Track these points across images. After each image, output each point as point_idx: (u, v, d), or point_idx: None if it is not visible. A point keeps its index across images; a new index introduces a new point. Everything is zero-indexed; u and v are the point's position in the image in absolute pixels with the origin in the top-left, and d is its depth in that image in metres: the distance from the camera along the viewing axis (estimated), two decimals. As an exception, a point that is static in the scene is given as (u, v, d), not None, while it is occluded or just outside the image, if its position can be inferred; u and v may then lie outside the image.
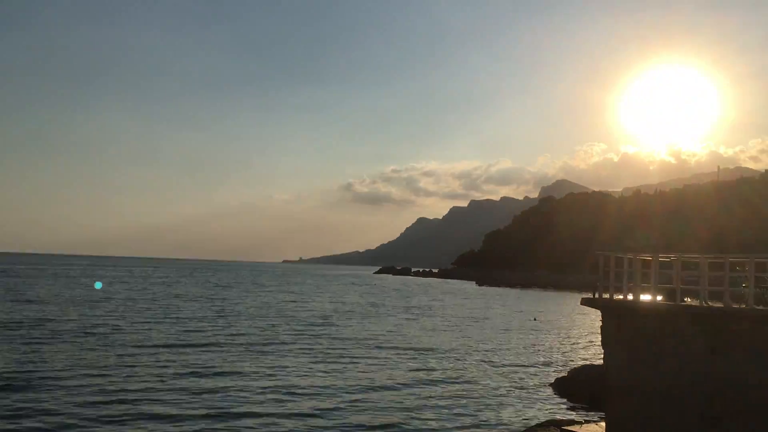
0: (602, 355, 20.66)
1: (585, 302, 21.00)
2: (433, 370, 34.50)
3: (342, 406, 25.22)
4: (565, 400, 28.37)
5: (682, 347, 18.09)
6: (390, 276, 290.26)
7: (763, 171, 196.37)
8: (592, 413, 25.16)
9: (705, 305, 18.08)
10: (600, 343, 20.73)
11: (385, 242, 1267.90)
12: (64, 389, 25.82)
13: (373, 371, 33.19)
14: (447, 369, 34.99)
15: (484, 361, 38.37)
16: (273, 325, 53.21)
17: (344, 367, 33.95)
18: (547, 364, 38.39)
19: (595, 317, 22.84)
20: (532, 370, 36.27)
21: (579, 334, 57.33)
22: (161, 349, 37.15)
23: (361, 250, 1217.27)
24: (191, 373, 30.33)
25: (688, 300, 19.58)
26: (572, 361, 39.75)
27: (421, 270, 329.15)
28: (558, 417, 24.36)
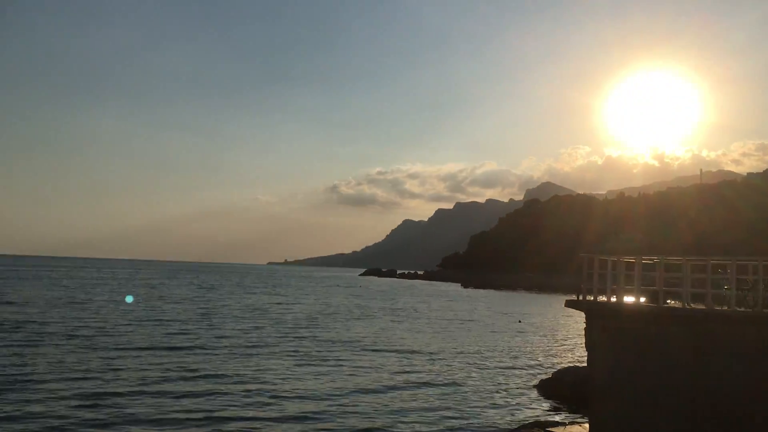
0: (586, 357, 20.76)
1: (569, 304, 21.08)
2: (419, 372, 34.50)
3: (327, 408, 25.14)
4: (549, 402, 28.48)
5: (665, 349, 18.22)
6: (375, 278, 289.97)
7: (745, 174, 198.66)
8: (576, 414, 25.28)
9: (687, 307, 18.23)
10: (584, 345, 20.84)
11: (371, 244, 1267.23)
12: (47, 392, 25.52)
13: (359, 373, 33.14)
14: (432, 371, 35.01)
15: (469, 363, 38.43)
16: (258, 328, 52.97)
17: (329, 370, 33.86)
18: (531, 366, 38.52)
19: (579, 319, 22.96)
20: (516, 371, 36.38)
21: (563, 336, 57.58)
22: (144, 352, 36.85)
23: (346, 252, 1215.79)
24: (175, 376, 30.09)
25: (671, 302, 19.72)
26: (557, 362, 39.92)
27: (406, 272, 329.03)
28: (542, 418, 24.45)
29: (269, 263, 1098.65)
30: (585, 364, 21.84)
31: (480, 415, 25.51)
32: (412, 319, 70.37)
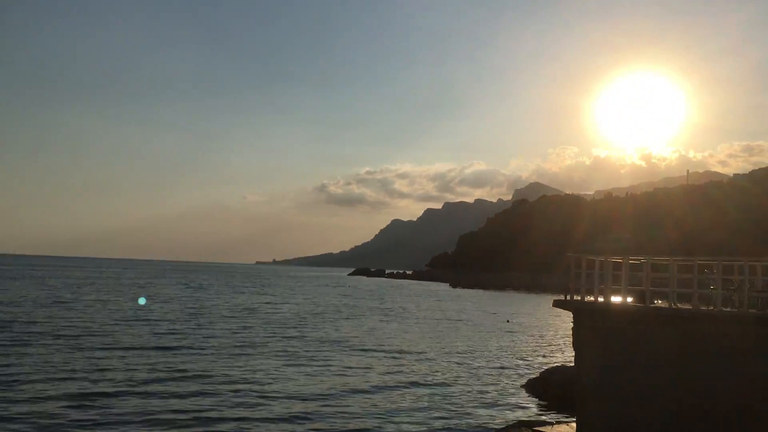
0: (574, 357, 20.85)
1: (557, 304, 21.17)
2: (407, 372, 34.51)
3: (316, 409, 25.09)
4: (537, 401, 28.57)
5: (651, 348, 18.33)
6: (364, 278, 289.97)
7: (731, 175, 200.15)
8: (564, 414, 25.37)
9: (674, 307, 18.36)
10: (572, 345, 20.92)
11: (359, 244, 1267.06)
12: (32, 393, 25.30)
13: (347, 374, 33.11)
14: (420, 371, 35.04)
15: (457, 363, 38.49)
16: (246, 327, 52.80)
17: (318, 370, 33.81)
18: (519, 366, 38.64)
19: (567, 319, 23.06)
20: (504, 371, 36.47)
21: (551, 335, 57.81)
22: (131, 352, 36.62)
23: (335, 252, 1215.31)
24: (163, 376, 29.92)
25: (657, 302, 19.85)
26: (545, 362, 40.06)
27: (395, 272, 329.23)
28: (530, 418, 24.55)
29: (257, 263, 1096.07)
30: (573, 364, 21.93)
31: (468, 414, 25.54)
32: (401, 318, 70.40)
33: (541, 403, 28.27)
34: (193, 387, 27.82)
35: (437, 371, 35.20)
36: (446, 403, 27.24)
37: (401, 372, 34.38)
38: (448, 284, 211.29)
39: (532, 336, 56.63)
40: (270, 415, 23.71)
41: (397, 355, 40.83)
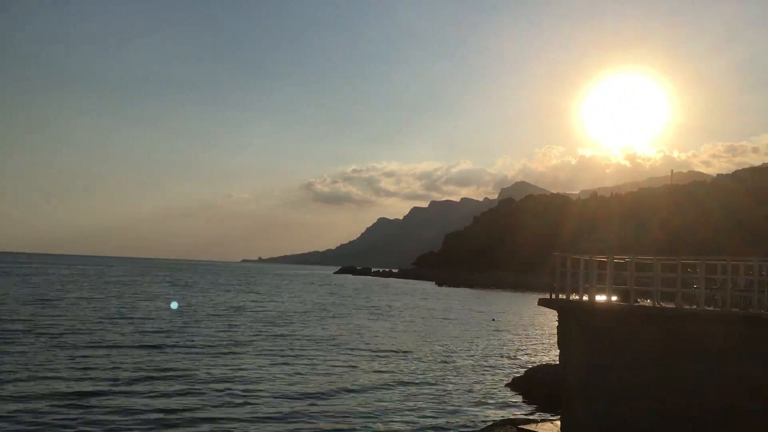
0: (558, 355, 20.93)
1: (542, 303, 21.26)
2: (392, 371, 34.51)
3: (301, 408, 25.02)
4: (521, 399, 28.69)
5: (635, 347, 18.45)
6: (350, 276, 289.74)
7: (715, 176, 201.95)
8: (549, 412, 25.48)
9: (657, 306, 18.47)
10: (557, 343, 21.00)
11: (346, 242, 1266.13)
12: (14, 391, 25.03)
13: (333, 372, 33.05)
14: (405, 370, 35.06)
15: (443, 362, 38.55)
16: (232, 326, 52.59)
17: (303, 369, 33.72)
18: (504, 364, 38.77)
19: (553, 317, 23.14)
20: (490, 370, 36.58)
21: (537, 334, 58.06)
22: (115, 350, 36.35)
23: (321, 250, 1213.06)
24: (147, 375, 29.69)
25: (641, 301, 19.97)
26: (530, 360, 40.24)
27: (381, 270, 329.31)
28: (515, 416, 24.63)
29: (243, 261, 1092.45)
30: (558, 362, 22.02)
31: (453, 413, 25.59)
32: (387, 317, 70.41)
33: (526, 401, 28.38)
34: (178, 386, 27.64)
35: (423, 370, 35.23)
36: (432, 402, 27.27)
37: (387, 371, 34.37)
38: (434, 283, 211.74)
39: (518, 335, 56.85)
40: (256, 415, 23.59)
41: (383, 353, 40.82)
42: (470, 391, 30.17)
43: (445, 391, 29.82)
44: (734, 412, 16.71)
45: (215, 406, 24.48)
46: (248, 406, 24.81)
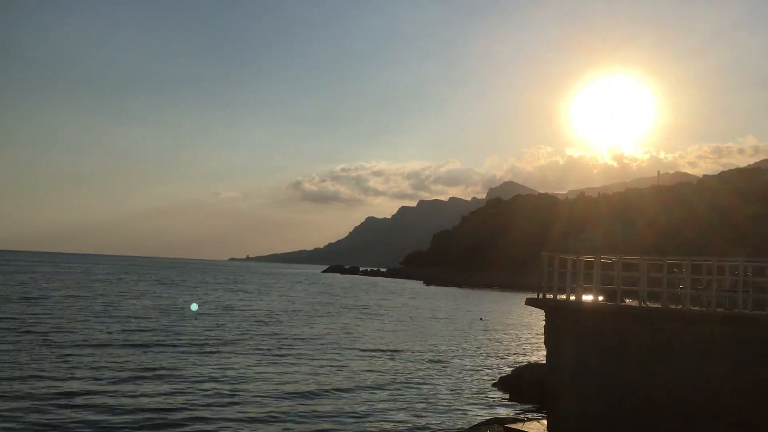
0: (546, 354, 21.00)
1: (529, 302, 21.32)
2: (379, 371, 34.50)
3: (289, 408, 24.94)
4: (509, 399, 28.76)
5: (622, 346, 18.54)
6: (338, 275, 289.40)
7: (701, 176, 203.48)
8: (536, 411, 25.56)
9: (644, 306, 18.57)
10: (544, 343, 21.07)
11: (334, 241, 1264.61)
12: (-3, 391, 24.83)
13: (320, 373, 32.98)
14: (392, 369, 35.05)
15: (430, 361, 38.59)
16: (219, 325, 52.38)
17: (291, 369, 33.64)
18: (492, 363, 38.88)
19: (540, 317, 23.20)
20: (477, 369, 36.67)
21: (525, 333, 58.27)
22: (100, 349, 36.07)
23: (309, 249, 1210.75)
24: (132, 375, 29.49)
25: (628, 300, 20.07)
26: (517, 360, 40.37)
27: (369, 269, 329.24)
28: (501, 415, 24.68)
29: (231, 259, 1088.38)
30: (545, 361, 22.09)
31: (439, 412, 25.61)
32: (374, 316, 70.40)
33: (513, 400, 28.45)
34: (165, 385, 27.48)
35: (410, 369, 35.25)
36: (419, 401, 27.28)
37: (375, 370, 34.36)
38: (422, 282, 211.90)
39: (506, 334, 57.01)
40: (242, 415, 23.47)
41: (371, 353, 40.80)
42: (457, 390, 30.21)
43: (432, 389, 29.85)
44: (719, 411, 16.82)
45: (202, 406, 24.33)
46: (236, 406, 24.68)
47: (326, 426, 22.81)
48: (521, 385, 29.49)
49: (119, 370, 30.15)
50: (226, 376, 30.21)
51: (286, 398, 26.55)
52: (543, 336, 21.05)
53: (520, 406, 27.24)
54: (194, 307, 70.10)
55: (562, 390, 19.63)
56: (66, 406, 23.16)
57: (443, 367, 36.69)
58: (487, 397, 29.09)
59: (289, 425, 22.64)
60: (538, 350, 44.10)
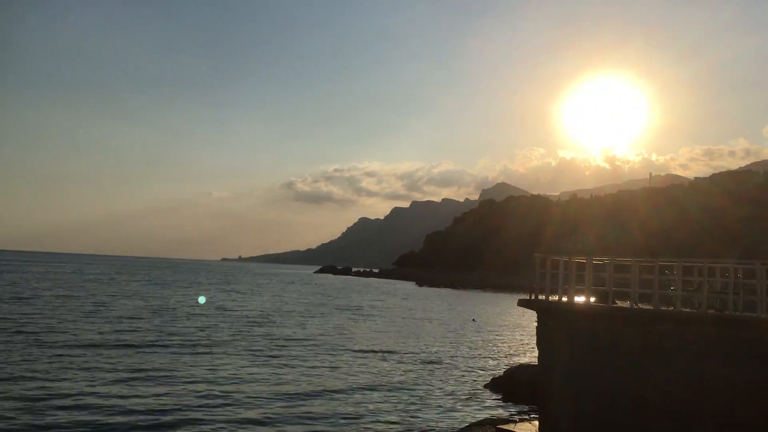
0: (537, 355, 21.07)
1: (521, 303, 21.38)
2: (372, 372, 34.50)
3: (281, 410, 24.91)
4: (501, 399, 28.83)
5: (613, 347, 18.62)
6: (330, 275, 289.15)
7: (693, 179, 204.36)
8: (528, 412, 25.62)
9: (635, 307, 18.66)
10: (536, 344, 21.14)
11: (326, 242, 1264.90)
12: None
13: (313, 374, 32.97)
14: (384, 370, 35.07)
15: (423, 362, 38.62)
16: (211, 325, 52.23)
17: (284, 370, 33.61)
18: (484, 364, 38.94)
19: (532, 318, 23.29)
20: (469, 369, 36.72)
21: (517, 334, 58.36)
22: (91, 350, 35.93)
23: (301, 249, 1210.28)
24: (123, 376, 29.39)
25: (619, 302, 20.17)
26: (509, 361, 40.44)
27: (361, 270, 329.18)
28: (494, 416, 24.74)
29: (223, 259, 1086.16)
30: (537, 362, 22.16)
31: (431, 413, 25.65)
32: (366, 317, 70.36)
33: (505, 401, 28.52)
34: (157, 387, 27.40)
35: (403, 370, 35.26)
36: (411, 402, 27.31)
37: (367, 371, 34.37)
38: (414, 283, 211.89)
39: (498, 335, 57.10)
40: (234, 417, 23.43)
41: (363, 354, 40.80)
42: (449, 391, 30.25)
43: (424, 391, 29.88)
44: (711, 412, 16.92)
45: (195, 407, 24.27)
46: (228, 407, 24.64)
47: (319, 427, 22.81)
48: (513, 386, 29.57)
49: (111, 371, 30.04)
50: (218, 377, 30.14)
51: (279, 399, 26.52)
52: (535, 337, 21.12)
53: (512, 407, 27.30)
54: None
55: (554, 391, 19.70)
56: (58, 407, 23.06)
57: (436, 367, 36.73)
58: (479, 397, 29.14)
59: (282, 426, 22.62)
60: (531, 351, 44.20)
